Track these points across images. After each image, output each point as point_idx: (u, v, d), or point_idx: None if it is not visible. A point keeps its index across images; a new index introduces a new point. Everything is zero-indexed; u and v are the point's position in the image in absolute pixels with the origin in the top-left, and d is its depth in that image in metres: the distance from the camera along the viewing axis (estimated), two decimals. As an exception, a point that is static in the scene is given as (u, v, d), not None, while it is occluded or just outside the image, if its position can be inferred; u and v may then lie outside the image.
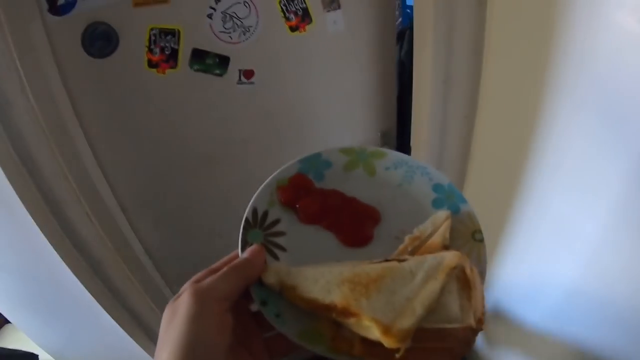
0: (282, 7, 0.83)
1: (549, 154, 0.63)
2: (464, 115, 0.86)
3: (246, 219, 0.33)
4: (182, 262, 0.99)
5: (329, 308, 0.27)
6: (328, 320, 0.28)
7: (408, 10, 1.62)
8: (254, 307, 0.30)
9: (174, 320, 0.26)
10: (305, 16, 0.85)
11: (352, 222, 0.34)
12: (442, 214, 0.34)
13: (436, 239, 0.32)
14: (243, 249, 0.31)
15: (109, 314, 0.78)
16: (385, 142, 1.10)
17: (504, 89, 0.76)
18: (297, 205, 0.35)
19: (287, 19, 0.85)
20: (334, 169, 0.37)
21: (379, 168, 0.37)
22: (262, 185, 0.35)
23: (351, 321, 0.27)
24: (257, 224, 0.33)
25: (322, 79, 0.95)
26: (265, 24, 0.83)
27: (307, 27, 0.87)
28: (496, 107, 0.80)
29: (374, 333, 0.26)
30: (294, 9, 0.84)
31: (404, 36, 1.37)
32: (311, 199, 0.35)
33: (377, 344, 0.26)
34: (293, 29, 0.86)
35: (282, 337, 0.28)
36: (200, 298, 0.26)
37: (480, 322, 0.27)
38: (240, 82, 0.87)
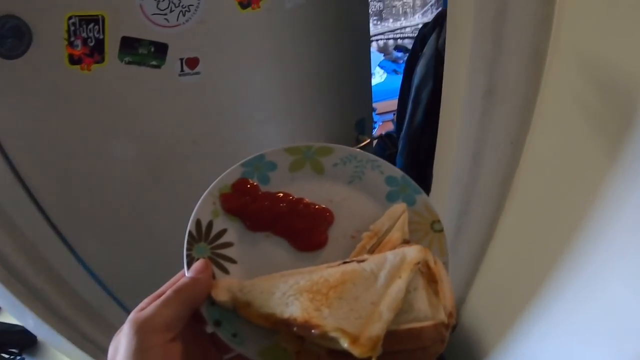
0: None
1: (621, 214, 0.42)
2: (509, 140, 0.61)
3: (189, 233, 0.30)
4: (134, 281, 0.85)
5: (288, 323, 0.25)
6: (290, 335, 0.26)
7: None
8: (209, 328, 0.28)
9: (115, 359, 0.24)
10: (260, -13, 0.73)
11: (304, 226, 0.32)
12: (398, 207, 0.32)
13: (395, 233, 0.30)
14: (189, 266, 0.29)
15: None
16: (360, 132, 0.96)
17: (570, 109, 0.50)
18: (244, 213, 0.32)
19: (236, -9, 0.72)
20: (280, 171, 0.35)
21: (327, 165, 0.35)
22: (204, 195, 0.32)
23: (314, 334, 0.24)
24: (202, 236, 0.31)
25: (281, 64, 0.83)
26: (210, 1, 0.71)
27: (261, 2, 0.74)
28: (556, 133, 0.55)
29: (341, 344, 0.24)
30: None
31: (443, 20, 1.21)
32: (258, 205, 0.33)
33: (345, 355, 0.24)
34: (244, 5, 0.74)
35: (243, 358, 0.27)
36: (140, 331, 0.24)
37: (451, 315, 0.26)
38: (182, 73, 0.74)
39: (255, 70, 0.81)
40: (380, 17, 3.38)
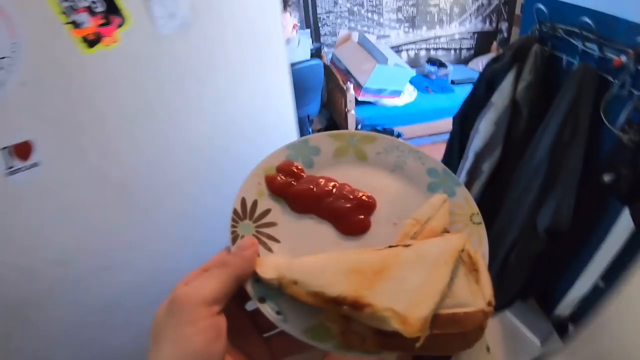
0: (61, 6, 0.40)
1: None
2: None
3: (235, 211, 0.31)
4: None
5: (337, 301, 0.25)
6: (335, 314, 0.26)
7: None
8: (251, 305, 0.27)
9: (159, 336, 0.23)
10: (112, 13, 0.43)
11: (347, 210, 0.32)
12: (439, 197, 0.33)
13: (436, 222, 0.31)
14: (234, 243, 0.29)
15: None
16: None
17: None
18: (288, 194, 0.32)
19: (76, 24, 0.43)
20: (323, 155, 0.35)
21: (370, 153, 0.35)
22: (249, 175, 0.32)
23: (363, 313, 0.24)
24: (247, 215, 0.31)
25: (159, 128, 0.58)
26: (33, 45, 0.42)
27: (118, 33, 0.48)
28: None
29: (390, 324, 0.24)
30: (88, 4, 0.40)
31: (525, 56, 0.82)
32: (303, 187, 0.32)
33: (392, 335, 0.24)
34: (91, 41, 0.46)
35: (283, 337, 0.27)
36: (187, 304, 0.23)
37: (490, 304, 0.26)
38: (11, 170, 0.46)
39: (134, 135, 0.60)
40: (413, 24, 2.95)
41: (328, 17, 2.84)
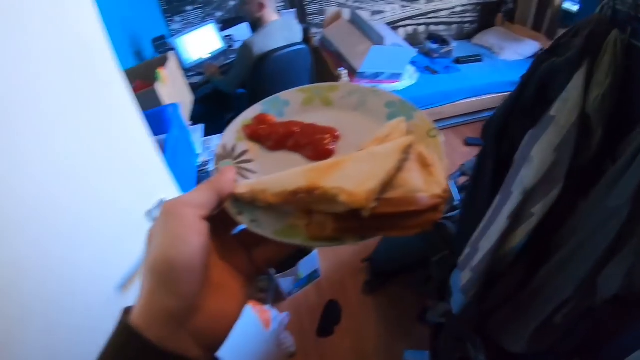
0: None
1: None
2: None
3: (216, 154, 0.35)
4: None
5: (296, 192, 0.29)
6: (300, 212, 0.30)
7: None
8: (234, 217, 0.30)
9: (150, 239, 0.27)
10: None
11: (314, 141, 0.36)
12: (397, 119, 0.36)
13: (394, 137, 0.33)
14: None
15: None
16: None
17: None
18: (262, 136, 0.37)
19: None
20: (293, 106, 0.40)
21: (335, 98, 0.40)
22: (228, 129, 0.37)
23: (315, 196, 0.28)
24: (227, 155, 0.35)
25: None
26: None
27: None
28: None
29: (339, 199, 0.27)
30: None
31: (594, 52, 0.58)
32: (274, 129, 0.37)
33: (348, 218, 0.27)
34: None
35: (261, 248, 0.31)
36: (174, 206, 0.27)
37: (445, 191, 0.28)
38: None
39: None
40: None
41: (314, -7, 2.52)
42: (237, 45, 2.26)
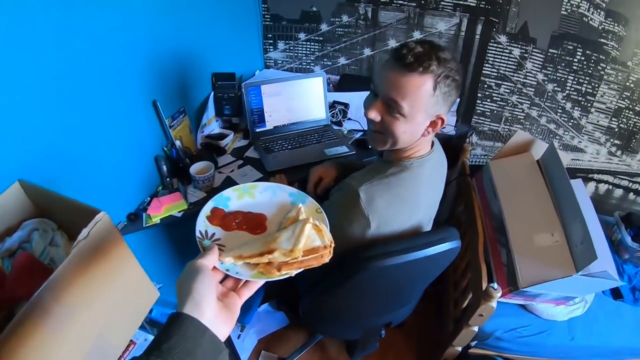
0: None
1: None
2: None
3: (198, 237, 0.63)
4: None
5: (262, 253, 0.60)
6: (263, 264, 0.60)
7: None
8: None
9: (181, 286, 0.53)
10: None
11: (253, 223, 0.68)
12: (298, 206, 0.70)
13: (297, 216, 0.68)
14: (203, 250, 0.60)
15: None
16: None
17: None
18: (220, 224, 0.67)
19: None
20: (233, 200, 0.72)
21: (257, 193, 0.74)
22: (199, 217, 0.66)
23: (273, 256, 0.59)
24: (204, 237, 0.64)
25: None
26: None
27: None
28: None
29: (283, 256, 0.60)
30: None
31: None
32: (226, 219, 0.68)
33: (289, 263, 0.59)
34: None
35: (243, 287, 0.59)
36: (196, 266, 0.55)
37: (331, 244, 0.63)
38: None
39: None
40: (628, 143, 1.81)
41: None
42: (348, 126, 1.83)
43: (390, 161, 1.05)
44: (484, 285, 1.30)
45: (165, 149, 1.45)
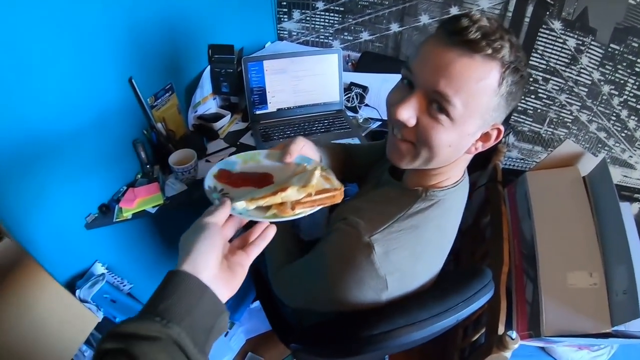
0: None
1: None
2: None
3: (207, 188, 0.66)
4: None
5: (275, 192, 0.60)
6: (275, 206, 0.60)
7: None
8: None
9: (192, 233, 0.53)
10: None
11: (260, 180, 0.71)
12: (303, 165, 0.74)
13: (304, 169, 0.72)
14: (212, 202, 0.61)
15: None
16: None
17: None
18: (228, 182, 0.70)
19: None
20: (238, 164, 0.75)
21: (261, 158, 0.77)
22: (206, 175, 0.69)
23: (286, 194, 0.60)
24: (213, 191, 0.66)
25: None
26: None
27: None
28: None
29: (297, 192, 0.61)
30: None
31: None
32: (233, 178, 0.71)
33: (302, 202, 0.61)
34: None
35: (253, 244, 0.60)
36: (204, 222, 0.54)
37: (341, 187, 0.67)
38: None
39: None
40: None
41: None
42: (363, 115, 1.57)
43: (415, 190, 0.74)
44: (501, 330, 1.10)
45: (145, 132, 1.26)
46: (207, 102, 1.55)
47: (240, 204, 0.58)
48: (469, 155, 0.72)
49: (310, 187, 0.61)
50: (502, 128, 0.67)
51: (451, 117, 0.61)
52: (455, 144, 0.65)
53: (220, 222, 0.56)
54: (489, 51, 0.57)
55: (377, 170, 0.92)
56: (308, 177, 0.63)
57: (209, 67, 1.50)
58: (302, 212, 0.60)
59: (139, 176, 1.29)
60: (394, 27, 1.72)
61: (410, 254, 0.70)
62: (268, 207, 0.60)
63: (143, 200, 1.18)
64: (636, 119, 1.50)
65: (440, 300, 0.75)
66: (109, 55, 1.08)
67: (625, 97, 1.47)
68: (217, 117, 1.53)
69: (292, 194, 0.60)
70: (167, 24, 1.25)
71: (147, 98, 1.23)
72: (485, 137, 0.67)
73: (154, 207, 1.18)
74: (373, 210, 0.72)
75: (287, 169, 0.73)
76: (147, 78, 1.22)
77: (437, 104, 0.61)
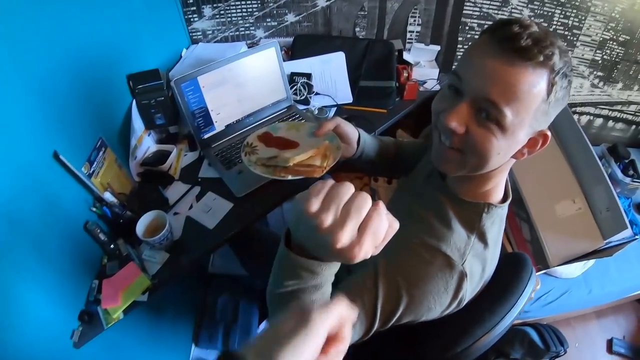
0: None
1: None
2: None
3: (244, 144, 0.97)
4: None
5: (271, 157, 0.91)
6: (272, 167, 0.87)
7: None
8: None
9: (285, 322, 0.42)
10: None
11: (286, 145, 0.95)
12: (326, 142, 0.91)
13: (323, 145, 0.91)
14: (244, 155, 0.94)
15: None
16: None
17: None
18: (267, 142, 0.97)
19: None
20: (281, 130, 0.99)
21: (301, 129, 0.99)
22: (251, 134, 0.99)
23: (276, 161, 0.89)
24: (247, 146, 0.96)
25: None
26: None
27: None
28: None
29: (283, 161, 0.87)
30: None
31: None
32: (274, 139, 0.97)
33: (286, 169, 0.85)
34: None
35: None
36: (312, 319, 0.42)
37: (325, 167, 0.84)
38: None
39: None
40: (610, 75, 1.75)
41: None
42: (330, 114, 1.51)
43: (476, 204, 0.74)
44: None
45: (94, 209, 1.01)
46: (143, 142, 1.29)
47: (253, 159, 0.92)
48: (514, 160, 0.71)
49: (291, 160, 0.85)
50: (548, 134, 0.66)
51: (502, 126, 0.61)
52: (504, 152, 0.66)
53: (329, 327, 0.42)
54: (541, 58, 0.57)
55: (424, 168, 0.91)
56: (305, 150, 0.88)
57: (134, 101, 1.23)
58: (284, 176, 0.84)
59: (106, 261, 1.05)
60: (321, 2, 1.58)
61: (481, 272, 0.74)
62: (272, 167, 0.88)
63: (126, 290, 0.97)
64: (565, 44, 1.63)
65: (503, 302, 0.78)
66: (23, 135, 0.80)
67: (554, 27, 1.57)
68: (162, 155, 1.30)
69: (280, 162, 0.87)
70: (73, 70, 0.97)
71: (80, 168, 0.96)
72: (531, 143, 0.67)
73: (143, 293, 0.98)
74: (442, 226, 0.73)
75: (315, 142, 0.91)
76: (73, 143, 0.95)
77: (486, 112, 0.62)
